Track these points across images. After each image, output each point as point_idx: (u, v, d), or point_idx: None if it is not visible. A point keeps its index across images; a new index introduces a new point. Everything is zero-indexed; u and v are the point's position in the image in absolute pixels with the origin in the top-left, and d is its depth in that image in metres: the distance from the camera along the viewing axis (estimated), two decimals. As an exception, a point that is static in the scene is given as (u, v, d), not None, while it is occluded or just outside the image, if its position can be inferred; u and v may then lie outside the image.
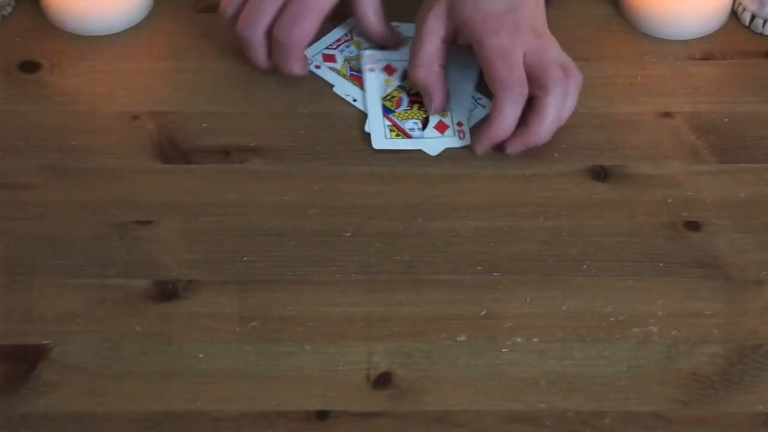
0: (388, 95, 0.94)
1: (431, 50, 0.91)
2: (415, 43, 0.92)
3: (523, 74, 0.88)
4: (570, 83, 0.89)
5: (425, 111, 0.92)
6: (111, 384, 0.79)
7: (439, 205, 0.88)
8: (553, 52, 0.90)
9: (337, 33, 0.98)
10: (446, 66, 0.92)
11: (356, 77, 0.95)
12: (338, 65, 0.96)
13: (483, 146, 0.90)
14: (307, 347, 0.81)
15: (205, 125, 0.93)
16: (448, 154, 0.91)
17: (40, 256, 0.85)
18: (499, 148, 0.90)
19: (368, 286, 0.84)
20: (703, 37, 0.99)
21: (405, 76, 0.95)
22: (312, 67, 0.95)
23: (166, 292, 0.83)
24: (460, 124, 0.92)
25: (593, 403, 0.79)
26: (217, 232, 0.87)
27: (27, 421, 0.78)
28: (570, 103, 0.89)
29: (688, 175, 0.90)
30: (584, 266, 0.85)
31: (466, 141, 0.91)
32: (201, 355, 0.80)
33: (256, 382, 0.79)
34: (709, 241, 0.87)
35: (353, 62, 0.96)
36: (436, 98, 0.92)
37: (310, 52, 0.96)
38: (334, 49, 0.97)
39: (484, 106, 0.93)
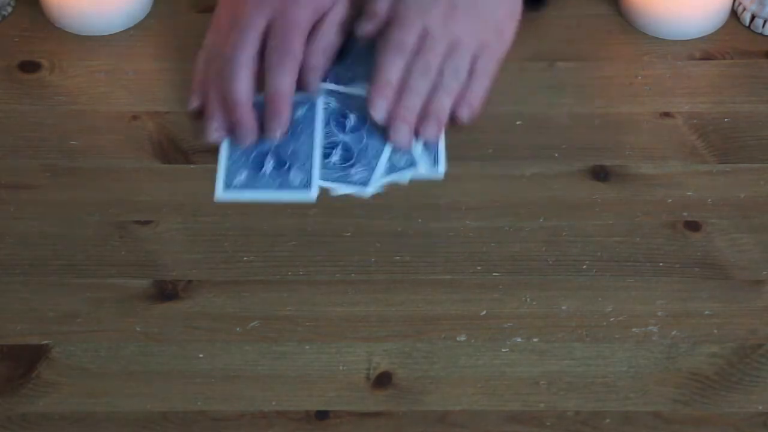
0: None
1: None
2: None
3: (408, 37, 0.85)
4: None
5: None
6: (111, 384, 0.79)
7: (439, 205, 0.88)
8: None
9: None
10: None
11: None
12: None
13: (378, 105, 0.84)
14: (307, 347, 0.81)
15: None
16: (448, 154, 0.91)
17: (40, 256, 0.85)
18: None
19: (368, 286, 0.84)
20: (703, 37, 0.99)
21: None
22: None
23: (166, 292, 0.83)
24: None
25: (593, 403, 0.79)
26: (217, 232, 0.87)
27: (27, 421, 0.78)
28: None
29: (688, 175, 0.90)
30: (584, 266, 0.85)
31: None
32: (201, 355, 0.81)
33: (256, 382, 0.79)
34: (709, 241, 0.87)
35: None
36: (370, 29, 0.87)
37: None
38: None
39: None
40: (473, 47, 0.87)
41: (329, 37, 0.86)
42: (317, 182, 0.82)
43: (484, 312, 0.83)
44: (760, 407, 0.79)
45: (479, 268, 0.85)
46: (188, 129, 0.92)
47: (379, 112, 0.83)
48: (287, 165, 0.83)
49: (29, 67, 0.97)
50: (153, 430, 0.77)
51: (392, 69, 0.84)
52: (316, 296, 0.83)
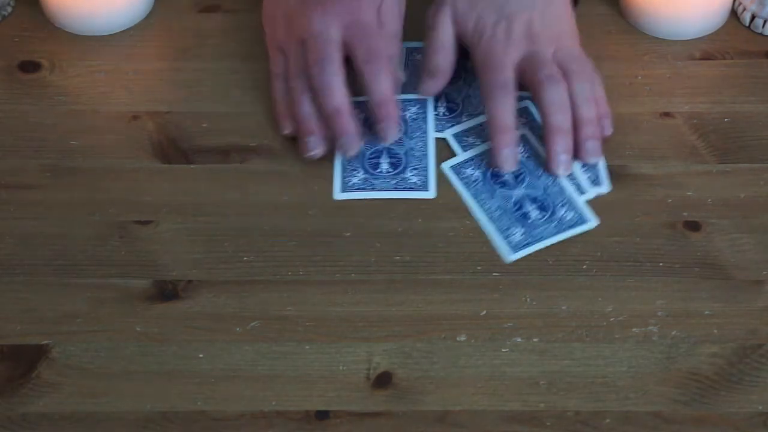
0: None
1: (447, 38, 0.91)
2: (430, 33, 0.91)
3: (507, 76, 0.88)
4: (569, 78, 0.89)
5: None
6: (111, 384, 0.79)
7: (439, 205, 0.88)
8: (547, 53, 0.89)
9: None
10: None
11: None
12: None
13: (503, 156, 0.87)
14: (307, 347, 0.81)
15: (205, 125, 0.93)
16: (447, 155, 0.91)
17: (40, 256, 0.85)
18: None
19: (368, 286, 0.84)
20: (703, 37, 0.99)
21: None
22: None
23: (166, 292, 0.83)
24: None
25: (593, 403, 0.79)
26: (217, 232, 0.87)
27: (27, 421, 0.78)
28: (583, 92, 0.89)
29: (688, 175, 0.90)
30: (584, 266, 0.85)
31: None
32: (201, 355, 0.81)
33: (256, 382, 0.79)
34: (709, 241, 0.87)
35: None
36: (441, 81, 0.91)
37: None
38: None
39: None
40: (577, 52, 0.91)
41: (395, 23, 0.91)
42: (434, 181, 0.87)
43: (484, 312, 0.83)
44: (760, 407, 0.79)
45: (479, 268, 0.85)
46: (188, 129, 0.93)
47: (507, 162, 0.87)
48: (403, 165, 0.88)
49: (29, 67, 0.97)
50: (153, 430, 0.77)
51: (504, 112, 0.87)
52: (316, 296, 0.83)
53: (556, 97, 0.87)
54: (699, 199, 0.89)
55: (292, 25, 0.91)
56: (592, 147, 0.88)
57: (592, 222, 0.86)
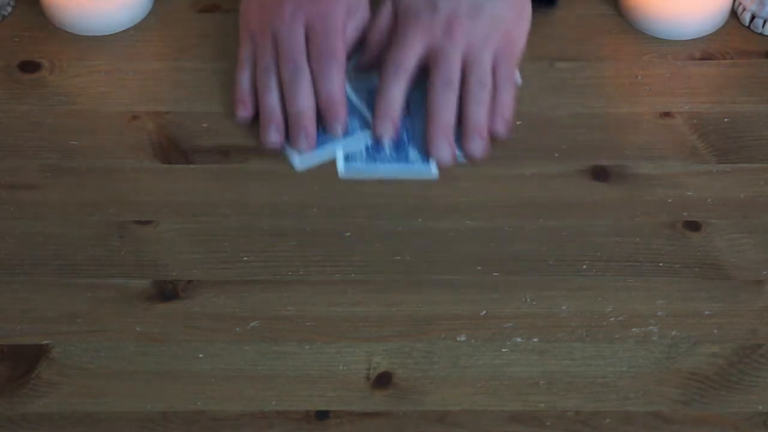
0: None
1: (383, 23, 0.92)
2: (372, 19, 0.93)
3: (407, 57, 0.89)
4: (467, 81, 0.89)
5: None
6: (111, 384, 0.79)
7: (439, 205, 0.88)
8: (456, 53, 0.90)
9: None
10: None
11: None
12: None
13: (382, 127, 0.89)
14: (307, 347, 0.81)
15: (205, 125, 0.93)
16: (448, 154, 0.91)
17: (40, 256, 0.85)
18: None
19: (368, 286, 0.84)
20: (703, 37, 0.99)
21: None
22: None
23: (166, 292, 0.83)
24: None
25: (593, 403, 0.79)
26: (217, 232, 0.87)
27: (27, 421, 0.78)
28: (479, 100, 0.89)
29: (688, 175, 0.90)
30: (584, 266, 0.85)
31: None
32: (201, 355, 0.81)
33: (256, 382, 0.79)
34: (709, 241, 0.87)
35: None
36: (374, 55, 0.92)
37: None
38: None
39: None
40: (488, 56, 0.89)
41: (354, 33, 0.92)
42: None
43: (484, 312, 0.83)
44: (760, 407, 0.79)
45: (479, 268, 0.85)
46: (188, 129, 0.93)
47: (381, 131, 0.89)
48: (407, 142, 0.89)
49: (29, 67, 0.97)
50: (153, 430, 0.77)
51: (393, 91, 0.89)
52: (316, 296, 0.83)
53: (442, 100, 0.88)
54: (699, 199, 0.89)
55: (265, 15, 0.91)
56: (474, 146, 0.89)
57: (432, 172, 0.87)
